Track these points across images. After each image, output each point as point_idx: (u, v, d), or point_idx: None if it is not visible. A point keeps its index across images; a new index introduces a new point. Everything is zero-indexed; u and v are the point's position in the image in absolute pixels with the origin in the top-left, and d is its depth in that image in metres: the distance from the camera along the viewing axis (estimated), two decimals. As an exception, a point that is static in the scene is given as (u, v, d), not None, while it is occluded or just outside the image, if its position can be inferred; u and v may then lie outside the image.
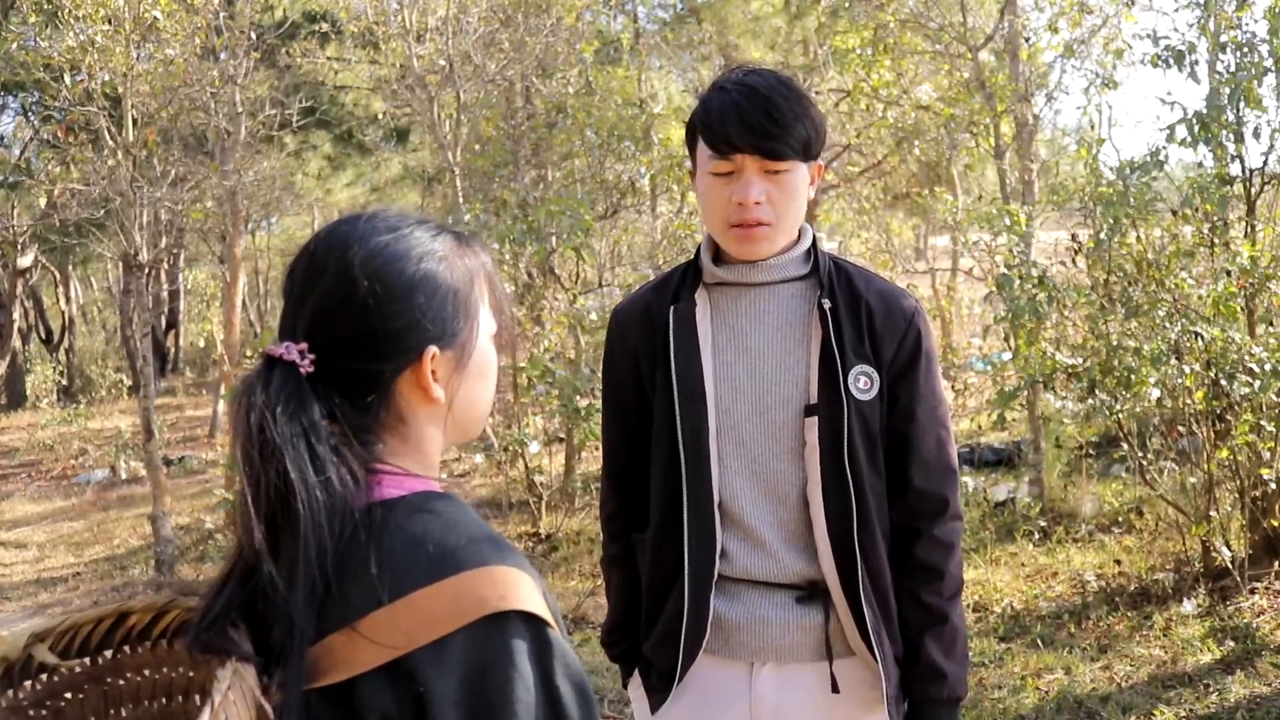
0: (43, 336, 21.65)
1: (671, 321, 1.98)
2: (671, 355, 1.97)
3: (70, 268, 20.77)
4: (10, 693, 1.20)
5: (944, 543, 1.99)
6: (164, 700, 1.26)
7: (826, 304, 1.94)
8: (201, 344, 17.33)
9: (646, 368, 2.02)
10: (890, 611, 1.98)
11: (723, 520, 1.96)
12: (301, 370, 1.18)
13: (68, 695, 1.23)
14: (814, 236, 2.04)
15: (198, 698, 1.24)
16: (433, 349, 1.21)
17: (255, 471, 1.13)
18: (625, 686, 2.18)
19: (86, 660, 1.22)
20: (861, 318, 1.96)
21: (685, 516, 1.95)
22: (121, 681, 1.24)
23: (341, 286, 1.20)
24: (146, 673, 1.25)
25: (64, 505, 11.33)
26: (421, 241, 1.24)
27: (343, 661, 1.10)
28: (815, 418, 1.92)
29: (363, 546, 1.13)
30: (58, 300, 21.42)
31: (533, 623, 1.13)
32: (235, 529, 1.18)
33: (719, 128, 1.89)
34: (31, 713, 1.21)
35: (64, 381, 19.03)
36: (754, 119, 1.85)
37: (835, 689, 1.96)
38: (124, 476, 12.31)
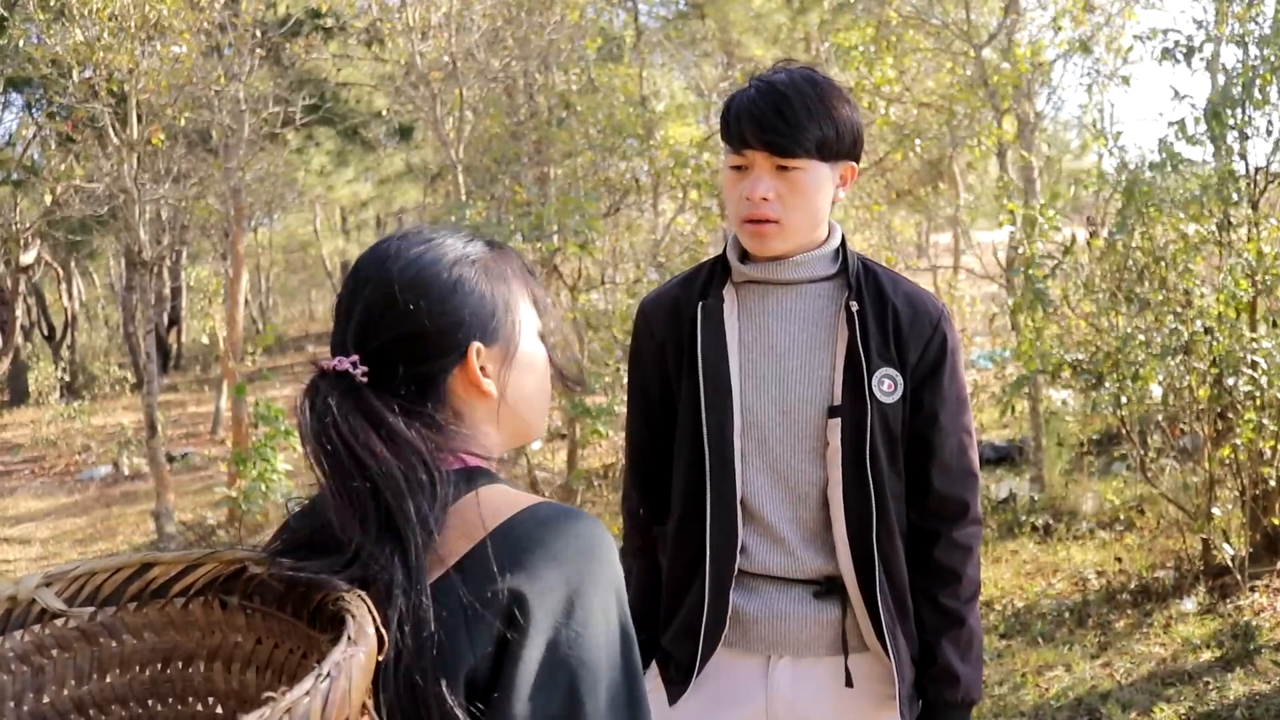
0: (45, 333, 21.66)
1: (700, 317, 1.99)
2: (699, 351, 1.98)
3: (73, 264, 20.79)
4: (0, 639, 1.16)
5: (963, 546, 2.00)
6: (159, 666, 1.22)
7: (854, 306, 1.95)
8: (204, 340, 17.35)
9: (673, 362, 2.04)
10: (906, 611, 1.99)
11: (743, 516, 1.97)
12: (356, 379, 1.23)
13: (54, 652, 1.19)
14: (843, 236, 2.04)
15: (202, 665, 1.22)
16: (477, 344, 1.26)
17: (341, 475, 1.18)
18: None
19: (89, 611, 1.18)
20: (888, 320, 1.96)
21: (708, 511, 1.96)
22: (115, 644, 1.21)
23: (383, 296, 1.26)
24: (147, 635, 1.21)
25: (67, 501, 11.36)
26: (454, 248, 1.30)
27: (435, 562, 1.16)
28: (838, 419, 1.93)
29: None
30: (60, 297, 21.44)
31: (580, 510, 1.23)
32: (337, 523, 1.20)
33: (734, 123, 1.91)
34: (14, 667, 1.17)
35: (66, 378, 19.06)
36: (765, 115, 1.86)
37: (849, 683, 1.98)
38: (126, 473, 12.34)
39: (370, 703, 1.05)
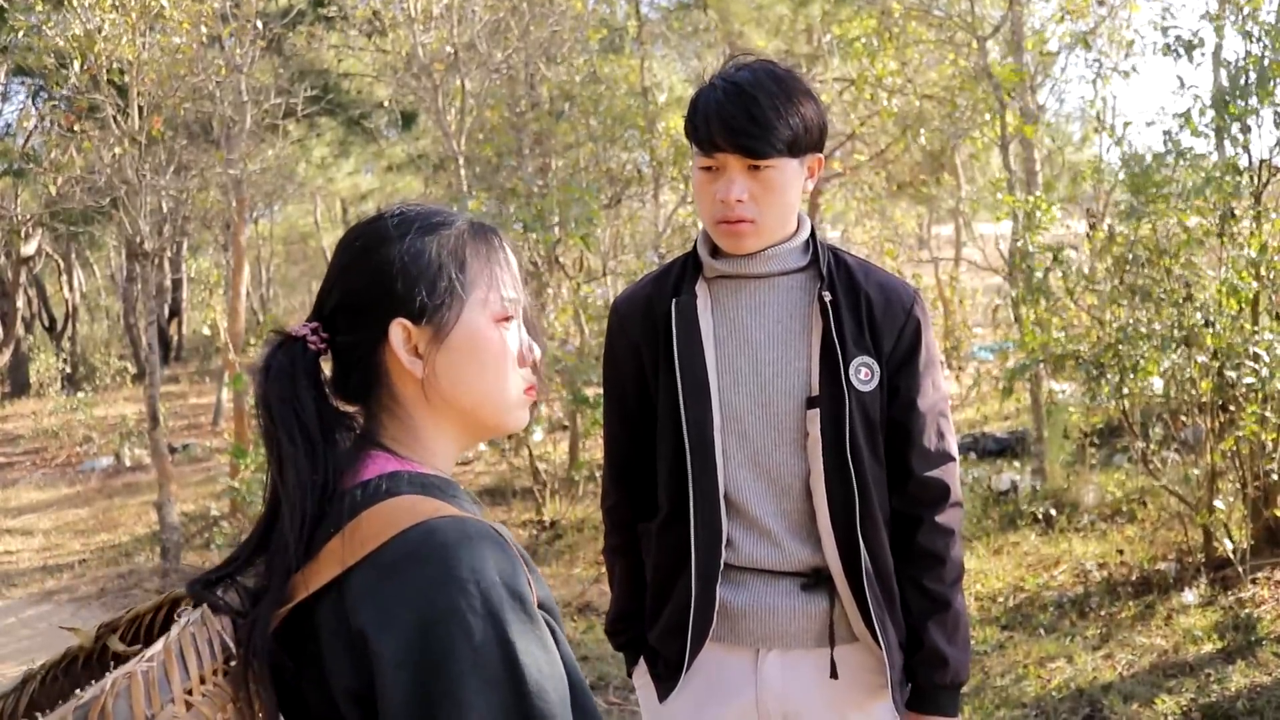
0: (46, 324, 21.66)
1: (674, 314, 1.99)
2: (675, 348, 1.98)
3: (74, 255, 20.78)
4: (94, 681, 1.25)
5: (945, 529, 2.01)
6: None
7: (827, 296, 1.96)
8: (205, 332, 17.35)
9: (649, 360, 2.04)
10: (893, 598, 2.00)
11: (728, 511, 1.98)
12: (311, 345, 1.24)
13: None
14: (812, 228, 2.05)
15: None
16: (401, 321, 1.24)
17: (265, 438, 1.22)
18: (630, 675, 2.19)
19: (138, 648, 1.26)
20: (861, 309, 1.98)
21: (691, 508, 1.97)
22: None
23: (336, 263, 1.29)
24: None
25: (69, 492, 11.38)
26: (420, 223, 1.28)
27: (302, 588, 1.15)
28: (817, 409, 1.94)
29: (334, 519, 1.18)
30: (61, 288, 21.43)
31: (461, 519, 1.16)
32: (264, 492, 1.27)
33: (702, 126, 1.91)
34: None
35: (67, 369, 19.07)
36: (734, 118, 1.86)
37: (834, 674, 1.99)
38: (128, 464, 12.36)
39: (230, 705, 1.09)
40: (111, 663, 1.25)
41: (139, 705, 0.97)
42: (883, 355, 1.98)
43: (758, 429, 1.97)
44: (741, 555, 1.99)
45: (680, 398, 1.97)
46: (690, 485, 1.97)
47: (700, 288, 2.02)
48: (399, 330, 1.24)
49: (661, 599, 2.05)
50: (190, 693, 1.04)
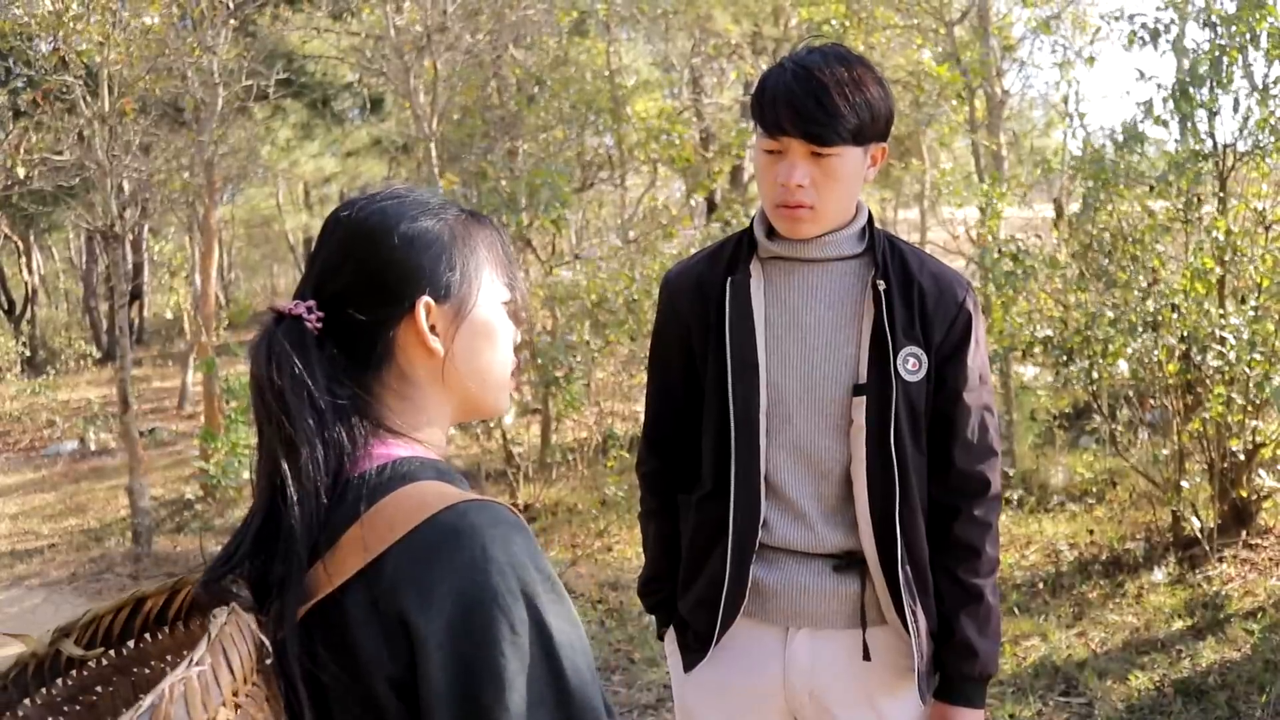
0: (5, 307, 21.37)
1: (728, 292, 1.99)
2: (727, 326, 1.98)
3: (32, 238, 20.50)
4: (44, 690, 1.23)
5: (983, 522, 2.01)
6: None
7: (881, 285, 1.95)
8: (168, 315, 17.17)
9: (698, 337, 2.04)
10: (926, 586, 2.00)
11: (766, 491, 1.98)
12: (308, 325, 1.22)
13: (98, 689, 1.26)
14: (869, 215, 2.04)
15: None
16: (426, 299, 1.25)
17: (266, 422, 1.20)
18: (660, 637, 2.21)
19: (110, 651, 1.25)
20: (914, 299, 1.97)
21: (732, 486, 1.97)
22: (147, 670, 1.27)
23: (343, 242, 1.27)
24: (169, 658, 1.27)
25: (34, 477, 11.26)
26: (424, 205, 1.30)
27: (325, 579, 1.14)
28: (863, 397, 1.94)
29: (351, 506, 1.17)
30: (20, 270, 21.14)
31: (485, 503, 1.17)
32: (253, 478, 1.25)
33: (769, 109, 1.89)
34: (66, 709, 1.24)
35: (27, 352, 18.83)
36: (802, 103, 1.84)
37: (867, 656, 2.00)
38: (93, 448, 12.24)
39: (259, 705, 1.08)
40: (70, 670, 1.24)
41: (197, 711, 0.97)
42: (932, 346, 1.97)
43: (802, 413, 1.97)
44: (776, 536, 2.00)
45: (728, 377, 1.97)
46: (732, 464, 1.97)
47: (754, 267, 2.01)
48: (423, 307, 1.25)
49: (695, 571, 2.06)
50: (236, 694, 1.04)
